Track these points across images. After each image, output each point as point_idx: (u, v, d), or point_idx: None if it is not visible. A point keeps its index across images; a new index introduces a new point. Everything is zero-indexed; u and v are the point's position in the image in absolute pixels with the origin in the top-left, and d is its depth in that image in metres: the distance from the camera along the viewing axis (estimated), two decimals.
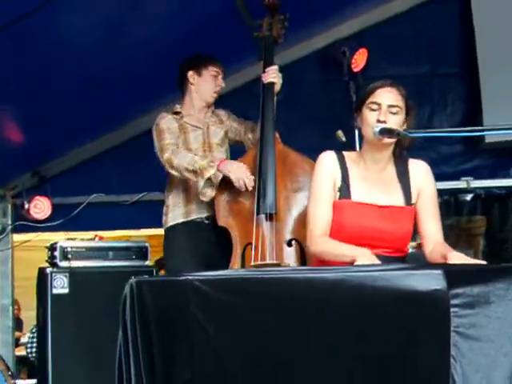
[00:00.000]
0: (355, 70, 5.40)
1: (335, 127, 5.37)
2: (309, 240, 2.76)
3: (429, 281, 2.06)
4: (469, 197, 5.43)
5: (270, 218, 3.39)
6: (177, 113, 3.83)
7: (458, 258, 2.54)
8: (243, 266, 3.39)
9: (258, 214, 3.41)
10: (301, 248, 3.38)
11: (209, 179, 3.48)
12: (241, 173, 3.45)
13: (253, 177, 3.47)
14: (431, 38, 5.52)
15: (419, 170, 2.86)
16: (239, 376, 1.95)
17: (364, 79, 5.40)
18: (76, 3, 4.07)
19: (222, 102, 5.27)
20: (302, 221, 3.33)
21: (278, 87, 3.70)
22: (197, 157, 3.59)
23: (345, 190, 2.75)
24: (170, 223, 3.73)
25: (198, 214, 3.69)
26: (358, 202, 2.74)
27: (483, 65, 5.31)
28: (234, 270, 2.58)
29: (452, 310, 2.04)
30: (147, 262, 4.22)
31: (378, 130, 2.67)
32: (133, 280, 1.98)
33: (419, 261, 2.83)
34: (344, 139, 5.01)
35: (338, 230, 2.70)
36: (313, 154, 3.50)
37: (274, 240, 3.35)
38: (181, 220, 3.70)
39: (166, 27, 4.70)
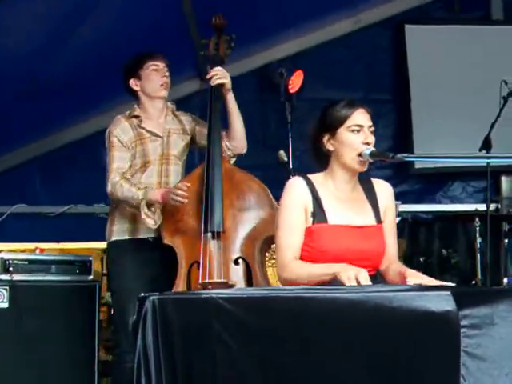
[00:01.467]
0: (291, 91, 5.53)
1: (270, 147, 5.48)
2: (280, 267, 2.75)
3: (440, 302, 2.12)
4: (396, 220, 5.62)
5: (217, 236, 3.40)
6: (135, 116, 3.68)
7: (415, 275, 2.64)
8: (189, 284, 3.39)
9: (205, 232, 3.39)
10: (247, 266, 3.41)
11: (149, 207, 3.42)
12: (179, 195, 3.39)
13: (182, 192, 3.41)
14: (366, 64, 5.75)
15: (385, 190, 2.94)
16: None
17: (299, 101, 5.53)
18: (19, 5, 3.97)
19: None
20: (249, 239, 3.43)
21: (228, 85, 3.65)
22: (138, 192, 3.47)
23: (319, 214, 2.76)
24: (115, 238, 3.63)
25: (145, 234, 3.60)
26: (335, 224, 2.76)
27: (415, 93, 5.54)
28: (257, 288, 2.53)
29: (462, 330, 2.10)
30: (90, 277, 4.07)
31: (368, 152, 2.71)
32: (155, 296, 1.91)
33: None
34: (286, 159, 5.08)
35: (319, 254, 2.71)
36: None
37: (221, 258, 3.37)
38: (126, 237, 3.61)
39: (106, 35, 4.65)
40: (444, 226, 5.40)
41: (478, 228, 4.84)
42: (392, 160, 2.61)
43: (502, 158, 2.69)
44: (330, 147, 2.84)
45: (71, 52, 4.72)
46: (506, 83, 4.69)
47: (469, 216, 5.13)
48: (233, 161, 3.80)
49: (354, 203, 2.85)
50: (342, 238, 2.73)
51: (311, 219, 2.77)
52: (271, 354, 1.96)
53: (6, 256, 3.83)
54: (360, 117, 2.81)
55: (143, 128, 3.66)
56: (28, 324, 3.80)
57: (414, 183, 5.71)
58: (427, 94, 5.53)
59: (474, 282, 4.79)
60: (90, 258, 4.13)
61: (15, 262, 3.84)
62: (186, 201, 3.37)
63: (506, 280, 4.77)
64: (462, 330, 2.11)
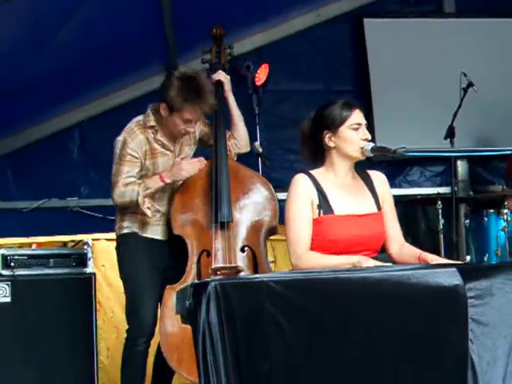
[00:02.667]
0: (258, 83, 5.87)
1: None
2: (294, 258, 3.11)
3: (450, 277, 2.55)
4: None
5: (225, 226, 3.74)
6: (151, 126, 3.85)
7: (434, 258, 3.06)
8: (199, 271, 3.74)
9: (214, 222, 3.74)
10: (253, 254, 3.79)
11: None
12: (190, 167, 3.71)
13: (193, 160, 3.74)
14: (327, 57, 6.13)
15: (381, 180, 3.34)
16: (309, 365, 2.32)
17: (265, 93, 5.89)
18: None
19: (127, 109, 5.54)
20: (254, 229, 3.86)
21: (227, 86, 4.06)
22: (137, 188, 3.75)
23: (325, 206, 3.14)
24: (125, 231, 3.91)
25: (152, 235, 3.90)
26: (341, 215, 3.15)
27: (375, 83, 5.97)
28: (304, 271, 2.90)
29: (468, 301, 2.53)
30: (87, 269, 4.36)
31: (369, 148, 3.11)
32: (216, 281, 2.26)
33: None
34: (261, 150, 5.44)
35: (327, 244, 3.09)
36: None
37: (229, 247, 3.75)
38: (136, 230, 3.91)
39: (83, 33, 4.87)
40: (405, 209, 5.90)
41: (440, 210, 5.31)
42: (393, 155, 3.00)
43: (485, 151, 3.12)
44: (331, 144, 3.21)
45: (43, 52, 4.91)
46: (465, 75, 5.17)
47: (430, 199, 5.63)
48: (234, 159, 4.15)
49: (355, 191, 3.23)
50: (348, 227, 3.11)
51: (317, 211, 3.14)
52: (315, 330, 2.34)
53: (6, 252, 4.07)
54: (358, 116, 3.20)
55: (158, 140, 3.85)
56: (30, 316, 4.05)
57: (376, 169, 6.13)
58: (387, 85, 5.97)
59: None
60: (86, 252, 4.40)
61: (15, 257, 4.08)
62: (204, 165, 3.68)
63: (468, 258, 5.28)
64: (469, 300, 2.55)
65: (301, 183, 3.17)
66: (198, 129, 4.05)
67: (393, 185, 6.07)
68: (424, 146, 5.49)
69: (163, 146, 3.87)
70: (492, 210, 5.22)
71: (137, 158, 3.78)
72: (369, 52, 6.00)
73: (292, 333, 2.34)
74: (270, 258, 5.53)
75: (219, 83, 4.01)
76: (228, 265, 3.71)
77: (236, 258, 3.76)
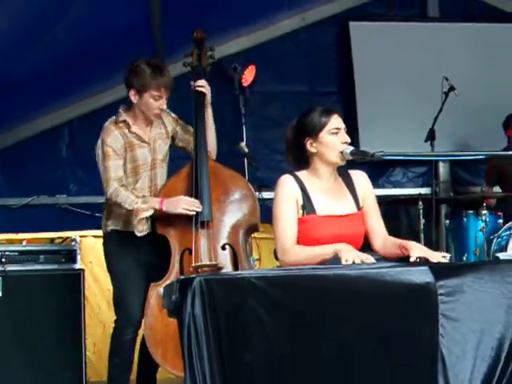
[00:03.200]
0: (244, 84, 6.05)
1: (225, 136, 5.99)
2: (281, 253, 3.29)
3: (422, 275, 2.73)
4: None
5: (206, 225, 3.93)
6: (122, 121, 4.03)
7: (416, 247, 3.23)
8: (181, 268, 3.91)
9: (195, 222, 3.90)
10: (233, 251, 3.98)
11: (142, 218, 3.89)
12: (185, 205, 3.89)
13: (193, 199, 3.92)
14: (312, 59, 6.32)
15: (361, 178, 3.51)
16: (288, 358, 2.52)
17: (251, 93, 6.07)
18: None
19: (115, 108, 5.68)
20: (234, 228, 4.02)
21: (208, 98, 4.21)
22: (137, 199, 3.89)
23: (309, 206, 3.31)
24: (111, 228, 4.07)
25: (137, 232, 4.04)
26: (323, 215, 3.32)
27: (359, 85, 6.16)
28: (284, 268, 3.06)
29: (439, 297, 2.71)
30: (76, 265, 4.52)
31: (349, 151, 3.28)
32: (201, 277, 2.43)
33: None
34: (246, 150, 5.62)
35: (310, 242, 3.26)
36: None
37: (210, 245, 3.92)
38: (120, 228, 4.06)
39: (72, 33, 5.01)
40: (388, 209, 6.08)
41: (421, 210, 5.51)
42: (371, 158, 3.17)
43: (461, 155, 3.30)
44: (313, 150, 3.37)
45: (34, 51, 5.04)
46: (446, 79, 5.36)
47: (412, 200, 5.82)
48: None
49: (337, 194, 3.40)
50: (329, 227, 3.28)
51: (301, 211, 3.31)
52: (295, 325, 2.51)
53: None
54: (337, 121, 3.37)
55: (133, 133, 4.03)
56: (20, 311, 4.22)
57: (359, 169, 6.33)
58: (371, 88, 6.16)
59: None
60: (75, 248, 4.56)
61: (7, 253, 4.24)
62: (194, 213, 3.87)
63: (448, 255, 5.47)
64: (440, 297, 2.73)
65: (287, 183, 3.34)
66: (171, 125, 4.17)
67: (376, 185, 6.22)
68: (406, 148, 5.72)
69: (138, 138, 4.04)
70: (471, 211, 5.42)
71: (117, 151, 3.96)
72: (354, 55, 6.19)
73: (272, 327, 2.50)
74: (255, 256, 5.73)
75: (202, 94, 4.15)
76: (209, 262, 3.84)
77: (217, 255, 3.90)
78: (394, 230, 6.29)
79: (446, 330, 2.73)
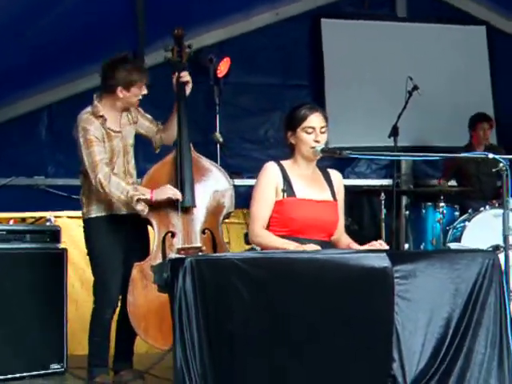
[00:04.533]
0: (219, 75, 6.47)
1: (199, 125, 6.42)
2: (252, 233, 3.75)
3: (380, 260, 3.23)
4: None
5: (188, 211, 4.38)
6: (100, 116, 4.37)
7: (357, 247, 3.77)
8: (163, 250, 4.34)
9: (179, 206, 4.34)
10: (212, 235, 4.43)
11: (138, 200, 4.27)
12: (169, 192, 4.31)
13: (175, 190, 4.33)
14: (285, 53, 6.76)
15: (338, 178, 4.00)
16: (263, 330, 3.00)
17: (225, 84, 6.49)
18: None
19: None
20: (213, 213, 4.49)
21: (188, 89, 4.60)
22: (127, 187, 4.26)
23: (289, 190, 3.77)
24: (94, 215, 4.44)
25: (118, 211, 4.44)
26: (301, 198, 3.78)
27: (329, 80, 6.63)
28: (263, 252, 3.53)
29: (395, 280, 3.22)
30: (59, 245, 4.92)
31: (319, 149, 3.75)
32: (192, 258, 2.90)
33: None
34: (221, 140, 6.07)
35: (287, 222, 3.72)
36: None
37: (192, 229, 4.37)
38: (103, 213, 4.43)
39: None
40: (352, 199, 6.57)
41: (383, 201, 6.00)
42: (339, 156, 3.65)
43: (420, 156, 3.78)
44: (292, 141, 3.84)
45: (16, 38, 5.33)
46: (411, 79, 5.86)
47: (374, 191, 6.31)
48: (157, 151, 4.68)
49: (315, 182, 3.86)
50: (306, 209, 3.74)
51: (282, 194, 3.76)
52: (269, 302, 3.00)
53: None
54: (314, 119, 3.79)
55: (108, 128, 4.41)
56: (7, 288, 4.59)
57: (325, 160, 6.77)
58: (340, 83, 6.62)
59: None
60: (59, 228, 4.96)
61: None
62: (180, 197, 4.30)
63: (406, 245, 6.00)
64: (395, 280, 3.24)
65: (269, 170, 3.80)
66: (133, 111, 4.53)
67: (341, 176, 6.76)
68: (371, 141, 6.26)
69: (113, 130, 4.43)
70: (430, 203, 5.92)
71: (99, 138, 4.33)
72: (324, 50, 6.66)
73: (250, 302, 2.98)
74: (225, 240, 6.18)
75: (185, 84, 4.57)
76: (193, 245, 4.29)
77: (197, 238, 4.33)
78: (357, 219, 6.88)
79: (400, 308, 3.24)
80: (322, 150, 3.75)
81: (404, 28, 6.86)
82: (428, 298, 3.28)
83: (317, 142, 3.78)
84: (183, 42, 4.75)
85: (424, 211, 5.92)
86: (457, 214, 5.91)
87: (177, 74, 4.62)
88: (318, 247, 3.52)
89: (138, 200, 4.21)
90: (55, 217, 5.78)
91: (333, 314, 3.10)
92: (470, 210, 5.67)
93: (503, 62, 7.12)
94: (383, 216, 5.96)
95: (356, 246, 3.77)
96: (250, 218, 3.82)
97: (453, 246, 4.05)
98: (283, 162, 3.88)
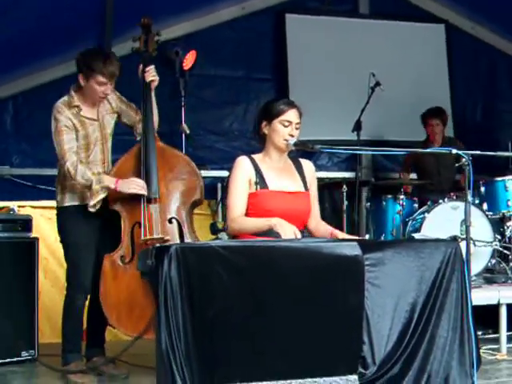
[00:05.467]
0: (185, 68, 6.64)
1: (165, 117, 6.54)
2: (231, 220, 3.96)
3: (352, 249, 3.47)
4: None
5: (154, 201, 4.53)
6: (75, 106, 4.49)
7: (341, 234, 4.00)
8: (132, 240, 4.49)
9: (145, 198, 4.49)
10: (179, 224, 4.57)
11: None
12: (136, 186, 4.45)
13: (141, 181, 4.48)
14: (250, 46, 6.96)
15: (309, 167, 4.24)
16: (243, 316, 3.21)
17: (191, 77, 6.67)
18: None
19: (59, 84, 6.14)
20: (179, 203, 4.61)
21: (155, 83, 4.74)
22: (92, 177, 4.40)
23: (261, 182, 4.00)
24: (67, 204, 4.57)
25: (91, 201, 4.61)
26: (274, 190, 4.00)
27: (292, 74, 6.86)
28: (245, 240, 3.73)
29: (365, 268, 3.46)
30: (30, 234, 5.06)
31: (292, 142, 3.97)
32: (177, 246, 3.10)
33: None
34: (188, 131, 6.25)
35: (262, 213, 3.93)
36: None
37: (158, 219, 4.51)
38: (77, 203, 4.57)
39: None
40: None
41: (344, 193, 6.26)
42: (312, 150, 3.89)
43: (385, 151, 4.05)
44: (265, 131, 4.05)
45: None
46: (373, 75, 6.12)
47: (336, 183, 6.57)
48: (138, 138, 4.75)
49: (287, 174, 4.09)
50: (279, 201, 3.96)
51: (255, 187, 3.98)
52: (249, 288, 3.21)
53: None
54: (292, 115, 4.02)
55: (83, 116, 4.54)
56: None
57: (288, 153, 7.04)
58: (303, 77, 6.83)
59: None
60: (30, 217, 5.09)
61: None
62: (145, 192, 4.44)
63: (367, 236, 6.27)
64: (366, 267, 3.48)
65: (242, 164, 4.02)
66: (114, 102, 4.67)
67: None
68: (334, 134, 6.50)
69: (89, 118, 4.57)
70: (390, 196, 6.19)
71: (69, 127, 4.45)
72: (288, 45, 6.87)
73: (232, 289, 3.19)
74: None
75: (150, 82, 4.69)
76: (156, 236, 4.42)
77: (165, 228, 4.44)
78: (319, 210, 7.10)
79: (370, 294, 3.48)
80: (295, 144, 3.97)
81: (366, 25, 7.10)
82: (395, 285, 3.52)
83: (291, 135, 4.00)
84: (151, 31, 4.87)
85: (384, 203, 6.18)
86: (416, 206, 6.18)
87: (142, 66, 4.73)
88: (296, 229, 3.73)
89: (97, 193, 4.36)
90: (18, 206, 5.93)
91: (309, 299, 3.33)
92: (429, 203, 5.92)
93: (461, 58, 7.46)
94: (345, 208, 6.21)
95: (338, 232, 4.01)
96: (227, 209, 4.01)
97: (417, 236, 4.31)
98: (254, 156, 4.09)
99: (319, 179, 6.83)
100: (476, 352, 3.63)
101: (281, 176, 4.05)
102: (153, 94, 4.74)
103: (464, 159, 3.77)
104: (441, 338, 3.58)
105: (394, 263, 3.55)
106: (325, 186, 6.89)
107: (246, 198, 3.97)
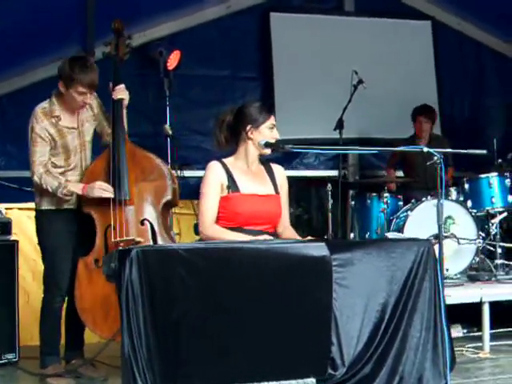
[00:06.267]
0: (169, 68, 6.60)
1: (148, 117, 6.56)
2: (202, 227, 3.95)
3: (319, 249, 3.44)
4: None
5: (125, 203, 4.51)
6: (55, 116, 4.46)
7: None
8: (106, 242, 4.46)
9: (115, 201, 4.46)
10: (151, 226, 4.53)
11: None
12: (100, 189, 4.42)
13: (105, 184, 4.44)
14: (235, 46, 6.91)
15: (280, 172, 4.21)
16: (206, 318, 3.19)
17: (175, 77, 6.62)
18: None
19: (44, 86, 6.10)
20: (151, 204, 4.57)
21: (126, 102, 4.70)
22: (59, 188, 4.37)
23: (233, 186, 3.98)
24: (45, 207, 4.56)
25: (68, 206, 4.58)
26: (245, 193, 3.99)
27: (277, 73, 6.82)
28: (206, 242, 3.69)
29: (333, 268, 3.42)
30: (10, 237, 5.03)
31: (263, 143, 3.97)
32: (138, 249, 3.06)
33: None
34: (170, 132, 6.22)
35: (234, 216, 3.93)
36: None
37: (130, 221, 4.49)
38: (54, 207, 4.56)
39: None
40: (300, 189, 6.81)
41: (330, 192, 6.22)
42: (282, 150, 3.87)
43: (363, 150, 3.98)
44: (250, 136, 4.02)
45: None
46: (356, 73, 6.07)
47: (322, 181, 6.53)
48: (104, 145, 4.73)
49: (258, 177, 4.08)
50: (251, 203, 3.96)
51: (227, 190, 3.97)
52: (213, 290, 3.19)
53: None
54: (273, 118, 4.06)
55: (62, 126, 4.50)
56: None
57: (277, 153, 7.00)
58: (288, 75, 6.80)
59: (325, 237, 6.15)
60: (10, 220, 5.06)
61: None
62: (111, 195, 4.41)
63: (352, 234, 6.23)
64: (333, 268, 3.45)
65: (213, 169, 4.01)
66: (97, 108, 4.66)
67: (290, 167, 6.97)
68: (318, 132, 6.47)
69: (68, 128, 4.54)
70: (374, 194, 6.15)
71: (44, 138, 4.43)
72: (273, 44, 6.84)
73: (193, 290, 3.17)
74: (176, 231, 6.32)
75: (120, 100, 4.64)
76: (126, 238, 4.37)
77: (137, 230, 4.43)
78: (305, 209, 7.10)
79: (338, 295, 3.45)
80: (266, 144, 3.94)
81: (351, 22, 7.06)
82: (365, 285, 3.49)
83: (275, 138, 4.00)
84: (122, 35, 4.84)
85: (369, 201, 6.15)
86: (400, 203, 6.13)
87: (112, 85, 4.68)
88: (271, 237, 3.71)
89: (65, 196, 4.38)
90: (6, 209, 5.90)
91: (274, 301, 3.30)
92: (412, 200, 5.88)
93: (447, 55, 7.41)
94: (330, 206, 6.17)
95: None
96: (199, 214, 4.00)
97: (390, 235, 4.26)
98: (225, 160, 4.09)
99: (306, 177, 6.93)
100: (450, 352, 3.60)
101: (252, 179, 4.06)
102: (124, 111, 4.70)
103: (436, 157, 3.73)
104: (413, 338, 3.56)
105: (364, 263, 3.52)
106: (311, 185, 6.86)
107: (217, 202, 3.97)
